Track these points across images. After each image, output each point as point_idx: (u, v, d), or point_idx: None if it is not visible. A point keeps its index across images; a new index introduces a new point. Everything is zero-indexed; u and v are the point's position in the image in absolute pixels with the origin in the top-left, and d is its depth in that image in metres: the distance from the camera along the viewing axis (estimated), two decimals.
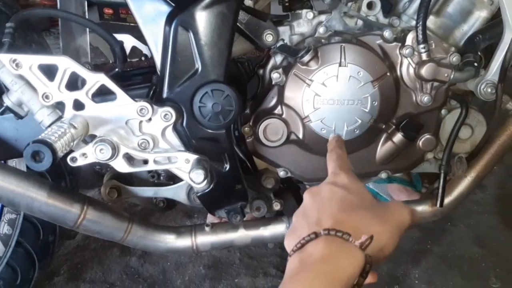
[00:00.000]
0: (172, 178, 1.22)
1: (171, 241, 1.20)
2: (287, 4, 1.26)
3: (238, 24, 1.05)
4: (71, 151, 0.93)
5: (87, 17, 1.26)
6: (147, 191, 1.20)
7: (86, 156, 0.95)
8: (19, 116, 1.03)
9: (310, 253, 0.67)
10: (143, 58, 1.36)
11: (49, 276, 1.68)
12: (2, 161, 1.19)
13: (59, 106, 0.97)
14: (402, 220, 0.76)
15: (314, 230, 0.71)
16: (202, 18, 0.97)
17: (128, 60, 1.25)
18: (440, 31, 1.13)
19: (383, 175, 1.21)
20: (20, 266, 1.36)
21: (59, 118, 0.97)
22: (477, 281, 1.72)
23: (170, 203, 1.28)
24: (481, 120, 1.22)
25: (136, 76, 1.28)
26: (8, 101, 1.01)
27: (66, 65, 0.93)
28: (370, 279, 0.70)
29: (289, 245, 0.76)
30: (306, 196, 0.83)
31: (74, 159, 0.95)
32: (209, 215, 1.40)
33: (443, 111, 1.18)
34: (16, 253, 1.34)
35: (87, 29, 1.23)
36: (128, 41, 1.28)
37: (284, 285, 0.66)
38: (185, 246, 1.21)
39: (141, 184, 1.21)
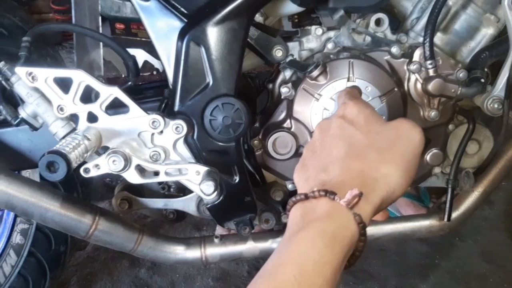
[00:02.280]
0: (182, 190, 1.23)
1: (180, 252, 1.21)
2: (296, 20, 1.28)
3: (248, 39, 1.07)
4: (84, 162, 0.95)
5: (101, 32, 1.29)
6: (158, 203, 1.21)
7: (99, 167, 0.96)
8: (34, 128, 1.05)
9: (312, 209, 0.67)
10: (154, 72, 1.39)
11: (60, 286, 1.71)
12: (16, 172, 1.21)
13: (73, 118, 0.99)
14: (414, 146, 0.75)
15: (321, 177, 0.73)
16: (214, 34, 0.99)
17: (140, 74, 1.28)
18: (447, 47, 1.14)
19: None
20: (31, 276, 1.38)
21: (73, 130, 0.99)
22: None
23: (180, 215, 1.30)
24: (488, 135, 1.23)
25: (147, 89, 1.31)
26: (23, 113, 1.03)
27: (80, 78, 0.96)
28: (380, 217, 0.75)
29: (298, 181, 0.79)
30: (316, 130, 0.85)
31: (87, 170, 0.96)
32: (218, 227, 1.42)
33: (450, 126, 1.19)
34: (28, 263, 1.36)
35: (101, 44, 1.26)
36: (140, 55, 1.30)
37: (284, 243, 0.65)
38: (195, 257, 1.22)
39: (151, 195, 1.23)
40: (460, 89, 1.08)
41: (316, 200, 0.67)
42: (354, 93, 0.92)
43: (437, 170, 1.23)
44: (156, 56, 1.45)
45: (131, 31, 3.25)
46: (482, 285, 1.79)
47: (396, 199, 0.72)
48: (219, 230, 1.38)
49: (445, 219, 1.23)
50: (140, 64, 1.26)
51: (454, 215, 1.26)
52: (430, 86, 1.08)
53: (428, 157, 1.18)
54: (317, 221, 0.64)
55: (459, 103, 1.17)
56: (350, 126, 0.79)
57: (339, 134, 0.79)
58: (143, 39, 2.08)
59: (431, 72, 1.08)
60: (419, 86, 1.12)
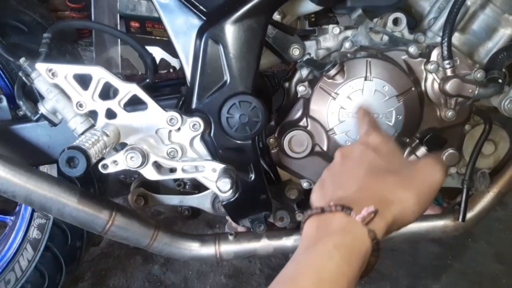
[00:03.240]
0: (197, 187, 1.24)
1: (195, 248, 1.22)
2: (313, 19, 1.28)
3: (266, 38, 1.07)
4: (102, 158, 0.96)
5: (119, 29, 1.30)
6: (173, 199, 1.22)
7: (117, 163, 0.97)
8: (53, 124, 1.06)
9: (328, 222, 0.68)
10: (171, 70, 1.40)
11: (74, 281, 1.72)
12: (35, 167, 1.22)
13: (92, 114, 1.00)
14: (433, 180, 0.77)
15: (338, 194, 0.75)
16: (232, 32, 1.00)
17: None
18: (465, 47, 1.14)
19: None
20: (47, 270, 1.39)
21: (92, 126, 1.00)
22: None
23: (195, 212, 1.31)
24: (504, 136, 1.23)
25: (164, 87, 1.31)
26: (43, 108, 1.04)
27: (100, 75, 0.96)
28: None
29: (314, 199, 0.81)
30: (337, 155, 0.87)
31: (105, 166, 0.97)
32: (227, 224, 1.43)
33: (466, 127, 1.19)
34: (44, 257, 1.37)
35: (119, 41, 1.27)
36: (157, 53, 1.31)
37: (301, 254, 0.67)
38: (209, 254, 1.23)
39: (167, 192, 1.23)
40: (478, 89, 1.08)
41: (332, 214, 0.69)
42: (376, 123, 0.97)
43: (452, 170, 1.23)
44: (173, 54, 1.46)
45: (146, 29, 3.26)
46: (495, 286, 1.78)
47: (406, 225, 0.74)
48: (229, 227, 1.39)
49: (460, 220, 1.23)
50: (157, 62, 1.26)
51: (469, 215, 1.26)
52: (448, 86, 1.07)
53: (444, 157, 1.18)
54: (333, 234, 0.65)
55: (476, 104, 1.17)
56: (373, 152, 0.82)
57: (361, 158, 0.82)
58: (158, 38, 2.09)
59: (448, 72, 1.08)
60: (436, 86, 1.12)
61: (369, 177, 0.77)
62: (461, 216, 1.22)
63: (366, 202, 0.69)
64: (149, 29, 3.22)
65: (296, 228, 1.26)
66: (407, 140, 1.16)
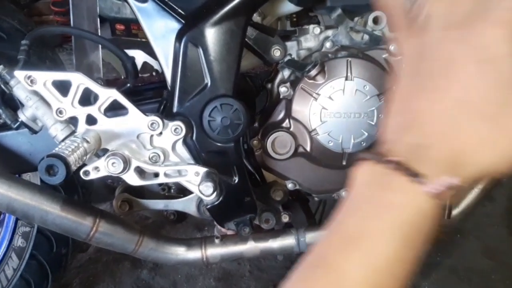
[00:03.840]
0: (182, 191, 1.24)
1: (181, 253, 1.21)
2: (294, 19, 1.28)
3: (246, 39, 1.07)
4: (83, 164, 0.95)
5: (99, 33, 1.29)
6: (158, 204, 1.21)
7: (99, 169, 0.97)
8: (33, 131, 1.05)
9: (386, 182, 0.50)
10: (154, 74, 1.39)
11: None
12: (17, 175, 1.21)
13: (72, 121, 0.99)
14: None
15: (413, 125, 0.51)
16: (211, 35, 0.99)
17: (140, 75, 1.28)
18: None
19: None
20: (33, 278, 1.38)
21: (72, 132, 1.00)
22: None
23: (181, 216, 1.30)
24: None
25: (147, 91, 1.31)
26: (23, 116, 1.03)
27: (79, 81, 0.96)
28: None
29: (391, 118, 0.54)
30: (436, 53, 0.50)
31: (86, 173, 0.97)
32: (216, 228, 1.42)
33: None
34: (29, 265, 1.36)
35: (100, 46, 1.26)
36: (140, 56, 1.31)
37: (346, 229, 0.51)
38: (196, 258, 1.22)
39: (152, 197, 1.23)
40: None
41: (392, 173, 0.49)
42: None
43: None
44: (156, 57, 1.45)
45: (131, 31, 3.24)
46: (484, 282, 1.79)
47: None
48: (218, 232, 1.38)
49: (445, 216, 1.23)
50: (139, 65, 1.26)
51: (455, 212, 1.26)
52: None
53: None
54: (393, 208, 0.49)
55: None
56: (490, 74, 0.48)
57: (468, 79, 0.49)
58: (144, 40, 2.07)
59: None
60: None
61: (464, 119, 0.49)
62: (446, 213, 1.22)
63: (445, 157, 0.49)
64: (135, 31, 3.21)
65: (282, 229, 1.26)
66: None
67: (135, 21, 1.96)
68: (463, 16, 0.49)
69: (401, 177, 0.48)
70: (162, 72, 1.10)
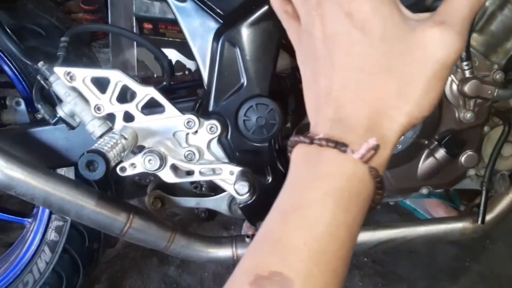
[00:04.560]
0: (213, 189, 1.24)
1: (212, 251, 1.22)
2: None
3: (282, 40, 1.07)
4: (120, 161, 0.96)
5: (135, 32, 1.30)
6: (190, 201, 1.22)
7: (135, 166, 0.98)
8: (71, 127, 1.07)
9: (318, 158, 0.54)
10: (186, 72, 1.40)
11: (91, 283, 1.73)
12: (53, 170, 1.23)
13: (110, 117, 1.01)
14: (444, 62, 0.54)
15: (328, 111, 0.56)
16: (249, 35, 1.00)
17: None
18: (483, 48, 1.13)
19: (424, 190, 1.21)
20: (65, 272, 1.40)
21: (110, 129, 1.01)
22: None
23: (211, 214, 1.31)
24: None
25: (180, 89, 1.32)
26: (61, 112, 1.05)
27: (118, 78, 0.97)
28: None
29: (307, 101, 0.62)
30: (316, 28, 0.59)
31: (123, 169, 0.98)
32: (244, 225, 1.42)
33: (485, 128, 1.18)
34: (62, 259, 1.38)
35: (135, 44, 1.27)
36: (172, 55, 1.31)
37: (286, 205, 0.54)
38: (226, 256, 1.23)
39: (183, 194, 1.23)
40: (497, 90, 1.07)
41: (322, 149, 0.54)
42: None
43: (471, 172, 1.22)
44: (188, 56, 1.46)
45: (159, 31, 3.27)
46: None
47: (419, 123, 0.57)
48: (245, 230, 1.38)
49: (479, 222, 1.22)
50: (173, 64, 1.27)
51: (488, 217, 1.25)
52: (466, 88, 1.06)
53: (463, 159, 1.17)
54: (326, 178, 0.53)
55: (495, 105, 1.16)
56: (363, 37, 0.56)
57: (349, 48, 0.57)
58: (171, 39, 2.09)
59: (467, 74, 1.07)
60: (454, 87, 1.11)
61: (362, 87, 0.56)
62: (480, 218, 1.21)
63: (364, 127, 0.54)
64: (162, 30, 3.24)
65: None
66: (426, 142, 1.15)
67: (163, 20, 1.98)
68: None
69: (330, 150, 0.53)
70: (196, 71, 1.11)
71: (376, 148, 0.53)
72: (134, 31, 1.31)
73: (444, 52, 0.54)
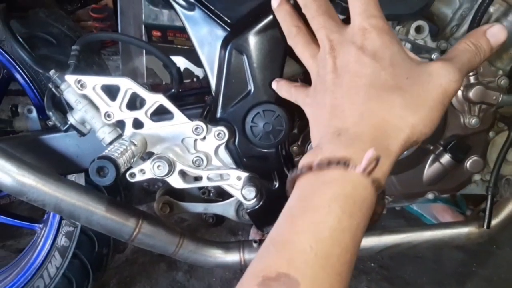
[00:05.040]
0: (221, 195, 1.26)
1: (220, 256, 1.23)
2: None
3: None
4: (129, 167, 0.98)
5: (144, 40, 1.32)
6: (198, 207, 1.23)
7: (144, 172, 0.99)
8: (81, 134, 1.09)
9: (323, 175, 0.59)
10: (195, 79, 1.42)
11: None
12: (63, 176, 1.25)
13: (119, 124, 1.02)
14: (446, 90, 0.63)
15: (335, 123, 0.62)
16: (256, 42, 1.01)
17: None
18: None
19: (430, 196, 1.22)
20: (75, 277, 1.42)
21: (119, 136, 1.03)
22: None
23: (219, 219, 1.32)
24: None
25: (188, 96, 1.33)
26: (72, 119, 1.07)
27: (127, 86, 0.99)
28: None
29: (312, 135, 0.69)
30: (328, 59, 0.68)
31: (132, 175, 0.99)
32: (252, 231, 1.43)
33: (490, 133, 1.19)
34: (72, 264, 1.40)
35: (144, 51, 1.29)
36: (180, 62, 1.33)
37: (295, 209, 0.59)
38: (234, 261, 1.24)
39: (191, 200, 1.25)
40: (501, 96, 1.08)
41: (326, 171, 0.58)
42: (375, 10, 0.69)
43: (477, 177, 1.23)
44: (196, 63, 1.48)
45: (167, 38, 3.30)
46: None
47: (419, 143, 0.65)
48: (253, 236, 1.39)
49: (485, 226, 1.22)
50: (181, 71, 1.29)
51: (494, 222, 1.25)
52: (471, 93, 1.08)
53: (468, 164, 1.18)
54: (332, 184, 0.57)
55: (500, 110, 1.17)
56: (373, 61, 0.64)
57: (358, 71, 0.64)
58: (179, 46, 2.12)
59: (472, 79, 1.08)
60: (459, 93, 1.12)
61: (372, 100, 0.62)
62: (486, 223, 1.22)
63: (370, 136, 0.59)
64: (171, 38, 3.27)
65: None
66: (431, 148, 1.16)
67: (172, 28, 2.01)
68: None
69: (334, 170, 0.57)
70: (204, 78, 1.13)
71: (377, 160, 0.57)
72: (143, 39, 1.33)
73: (446, 79, 0.63)
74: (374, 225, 0.61)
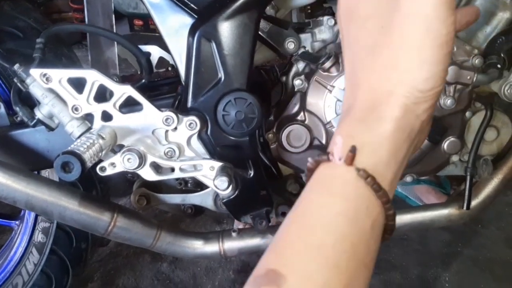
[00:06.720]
0: (199, 185, 1.24)
1: (199, 246, 1.22)
2: (309, 11, 1.27)
3: (260, 33, 1.07)
4: (100, 161, 0.96)
5: (115, 30, 1.29)
6: (175, 198, 1.22)
7: (115, 165, 0.97)
8: (50, 128, 1.07)
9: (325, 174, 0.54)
10: (169, 69, 1.39)
11: (83, 282, 1.73)
12: (35, 172, 1.23)
13: (88, 117, 1.00)
14: (427, 14, 0.49)
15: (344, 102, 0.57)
16: (224, 29, 0.99)
17: (156, 70, 1.28)
18: (462, 33, 1.12)
19: (408, 178, 1.21)
20: (54, 273, 1.40)
21: (89, 129, 1.00)
22: (508, 284, 1.70)
23: (198, 210, 1.31)
24: (506, 121, 1.21)
25: (162, 86, 1.31)
26: (39, 113, 1.05)
27: (94, 78, 0.96)
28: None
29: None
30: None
31: (103, 169, 0.97)
32: (236, 221, 1.42)
33: (467, 114, 1.18)
34: (50, 260, 1.38)
35: (115, 42, 1.27)
36: (156, 52, 1.30)
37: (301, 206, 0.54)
38: (213, 251, 1.23)
39: (169, 191, 1.23)
40: (476, 75, 1.07)
41: (333, 165, 0.53)
42: None
43: (455, 158, 1.22)
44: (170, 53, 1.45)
45: (149, 27, 3.27)
46: (506, 272, 1.76)
47: (430, 107, 0.53)
48: (237, 224, 1.38)
49: (464, 208, 1.22)
50: (155, 60, 1.26)
51: (474, 203, 1.25)
52: None
53: (445, 145, 1.17)
54: (324, 181, 0.54)
55: (476, 90, 1.16)
56: (349, 26, 0.59)
57: (346, 42, 0.60)
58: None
59: None
60: None
61: (355, 71, 0.57)
62: (465, 204, 1.21)
63: (359, 113, 0.53)
64: (153, 26, 3.23)
65: None
66: None
67: None
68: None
69: (324, 163, 0.54)
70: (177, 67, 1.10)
71: (352, 150, 0.50)
72: (114, 29, 1.30)
73: (431, 3, 0.49)
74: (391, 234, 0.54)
